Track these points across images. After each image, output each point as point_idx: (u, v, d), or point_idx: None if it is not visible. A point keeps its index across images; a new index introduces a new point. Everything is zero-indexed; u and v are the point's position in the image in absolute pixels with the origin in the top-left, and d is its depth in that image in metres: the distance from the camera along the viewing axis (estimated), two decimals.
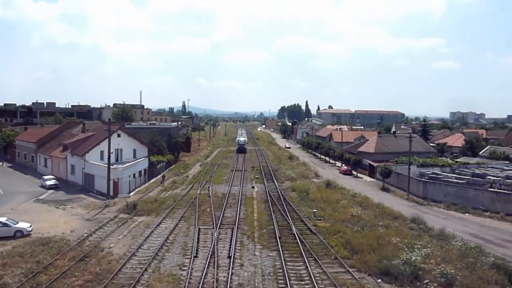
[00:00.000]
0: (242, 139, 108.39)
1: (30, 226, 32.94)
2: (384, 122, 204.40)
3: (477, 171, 55.74)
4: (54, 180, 53.87)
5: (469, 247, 29.14)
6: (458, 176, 53.63)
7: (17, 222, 32.84)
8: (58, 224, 35.48)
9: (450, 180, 50.85)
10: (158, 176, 60.81)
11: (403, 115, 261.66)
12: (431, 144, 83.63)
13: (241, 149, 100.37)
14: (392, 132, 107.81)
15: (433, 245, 29.35)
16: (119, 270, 24.86)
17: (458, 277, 24.02)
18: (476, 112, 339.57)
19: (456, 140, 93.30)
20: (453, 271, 24.40)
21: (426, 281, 23.70)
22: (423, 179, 52.06)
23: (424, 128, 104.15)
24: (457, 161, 67.39)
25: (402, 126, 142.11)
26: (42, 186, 53.08)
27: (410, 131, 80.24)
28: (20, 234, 31.67)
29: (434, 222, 36.49)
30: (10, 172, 66.30)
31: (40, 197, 47.38)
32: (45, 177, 55.12)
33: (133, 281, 23.17)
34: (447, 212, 43.15)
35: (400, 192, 52.83)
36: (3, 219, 32.42)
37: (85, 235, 32.39)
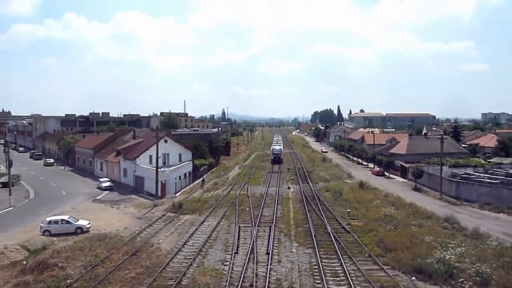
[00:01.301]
0: (277, 147, 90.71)
1: (89, 223, 34.23)
2: (415, 125, 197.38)
3: (511, 171, 52.73)
4: (109, 182, 55.75)
5: (505, 246, 27.58)
6: (491, 176, 50.97)
7: (78, 220, 34.22)
8: (113, 222, 36.67)
9: (483, 180, 48.39)
10: (199, 180, 61.02)
11: (434, 117, 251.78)
12: (463, 145, 79.92)
13: (277, 159, 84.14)
14: (423, 133, 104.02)
15: (467, 244, 27.94)
16: (167, 264, 25.35)
17: (494, 276, 22.74)
18: (508, 113, 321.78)
19: (488, 140, 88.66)
20: (488, 270, 23.15)
21: (461, 279, 22.57)
22: (456, 179, 49.83)
23: (456, 129, 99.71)
24: (490, 161, 63.99)
25: (434, 128, 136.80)
26: (99, 188, 55.06)
27: (441, 133, 77.06)
28: (80, 230, 33.00)
29: (468, 222, 34.70)
30: (71, 175, 69.30)
31: (97, 197, 49.16)
32: (101, 179, 57.18)
33: (180, 274, 23.54)
34: (481, 212, 41.01)
35: (432, 192, 50.80)
36: (65, 217, 33.90)
37: (137, 232, 33.29)
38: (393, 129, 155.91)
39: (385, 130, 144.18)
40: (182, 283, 22.68)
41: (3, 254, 27.08)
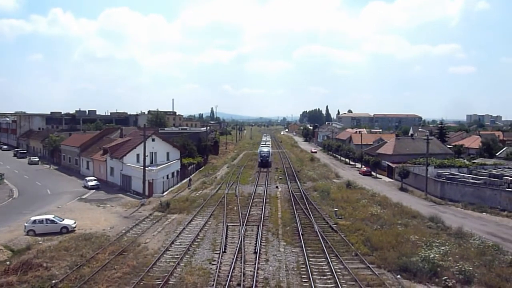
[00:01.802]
0: (265, 149, 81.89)
1: (75, 223, 33.87)
2: (402, 125, 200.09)
3: (494, 172, 53.81)
4: (95, 181, 55.15)
5: (487, 245, 28.22)
6: (475, 176, 51.94)
7: (63, 219, 33.84)
8: (99, 221, 36.34)
9: (467, 180, 49.30)
10: (185, 180, 60.53)
11: (420, 118, 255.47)
12: (448, 146, 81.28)
13: (265, 163, 76.70)
14: (409, 134, 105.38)
15: (451, 243, 28.57)
16: (154, 263, 25.27)
17: (476, 274, 23.31)
18: (492, 115, 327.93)
19: (473, 142, 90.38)
20: (471, 268, 23.70)
21: (445, 277, 23.06)
22: (441, 180, 50.65)
23: (441, 131, 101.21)
24: (474, 162, 65.19)
25: (420, 129, 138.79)
26: (85, 187, 54.45)
27: (427, 134, 78.11)
28: (65, 230, 32.62)
29: (452, 221, 35.41)
30: (57, 173, 68.38)
31: (83, 197, 48.62)
32: (87, 178, 56.54)
33: (167, 274, 23.49)
34: (464, 212, 41.81)
35: (418, 192, 51.57)
36: (50, 217, 33.47)
37: (123, 231, 33.06)
38: (381, 130, 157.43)
39: (372, 130, 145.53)
40: (170, 282, 22.63)
41: None
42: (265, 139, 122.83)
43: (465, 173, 54.94)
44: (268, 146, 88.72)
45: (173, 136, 73.25)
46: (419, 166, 57.46)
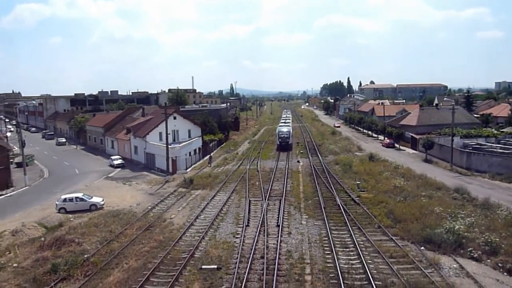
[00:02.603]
0: (285, 128, 68.69)
1: (103, 200, 35.03)
2: (426, 95, 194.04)
3: None
4: (120, 160, 56.58)
5: None
6: (503, 146, 50.39)
7: (92, 197, 35.04)
8: (125, 198, 37.48)
9: (495, 150, 47.92)
10: (206, 157, 60.64)
11: (446, 87, 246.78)
12: (475, 115, 78.69)
13: (284, 146, 64.68)
14: (434, 104, 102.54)
15: (477, 215, 28.07)
16: (180, 238, 26.03)
17: (503, 245, 22.94)
18: None
19: (501, 110, 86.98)
20: (497, 239, 23.34)
21: (470, 249, 22.83)
22: (467, 150, 49.42)
23: (468, 99, 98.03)
24: (502, 132, 63.06)
25: (445, 98, 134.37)
26: (111, 165, 55.98)
27: (453, 103, 75.80)
28: (94, 207, 33.83)
29: (478, 192, 34.65)
30: (83, 153, 70.39)
31: (109, 175, 50.06)
32: (113, 157, 58.04)
33: (192, 247, 24.19)
34: (492, 182, 40.85)
35: (443, 163, 50.57)
36: (79, 195, 34.71)
37: (149, 207, 34.03)
38: (404, 101, 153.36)
39: (395, 101, 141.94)
40: (195, 255, 23.33)
41: (22, 231, 28.02)
42: (285, 115, 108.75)
43: (493, 143, 53.34)
44: (289, 125, 74.20)
45: (194, 113, 73.82)
46: (444, 137, 56.10)
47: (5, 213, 33.97)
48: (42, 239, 26.48)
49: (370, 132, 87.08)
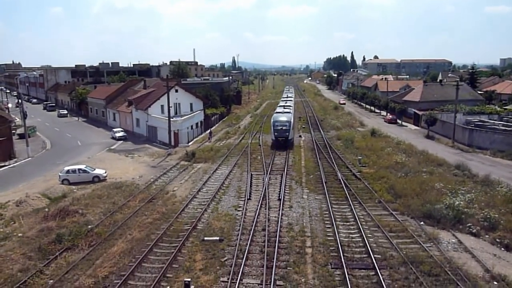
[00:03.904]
0: (283, 117, 47.36)
1: (105, 172, 35.20)
2: (430, 71, 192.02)
3: None
4: (122, 132, 56.57)
5: None
6: (506, 123, 50.12)
7: (94, 169, 35.18)
8: (128, 171, 37.67)
9: (498, 127, 47.70)
10: (206, 132, 59.69)
11: (450, 63, 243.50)
12: (479, 92, 77.90)
13: (282, 142, 45.20)
14: (438, 80, 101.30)
15: (477, 191, 28.20)
16: (182, 210, 26.32)
17: (501, 221, 23.16)
18: None
19: (506, 87, 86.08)
20: (497, 215, 23.53)
21: (469, 224, 23.07)
22: (469, 127, 49.21)
23: (472, 76, 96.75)
24: (505, 109, 62.65)
25: (449, 75, 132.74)
26: (113, 138, 56.01)
27: (457, 79, 74.84)
28: (97, 179, 34.03)
29: (479, 169, 34.70)
30: (85, 125, 70.35)
31: (112, 147, 50.15)
32: (115, 129, 58.01)
33: (195, 219, 24.49)
34: (493, 159, 40.87)
35: (445, 140, 50.48)
36: (82, 166, 34.86)
37: (152, 180, 34.26)
38: (408, 76, 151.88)
39: (399, 77, 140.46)
40: (198, 227, 23.64)
41: (26, 202, 28.31)
42: (286, 95, 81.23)
43: (495, 120, 53.07)
44: (289, 111, 51.57)
45: (196, 86, 73.26)
46: (447, 113, 55.77)
47: (9, 183, 34.25)
48: (46, 209, 26.79)
49: (372, 108, 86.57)
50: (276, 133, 45.56)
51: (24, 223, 24.82)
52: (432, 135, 53.64)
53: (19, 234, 23.18)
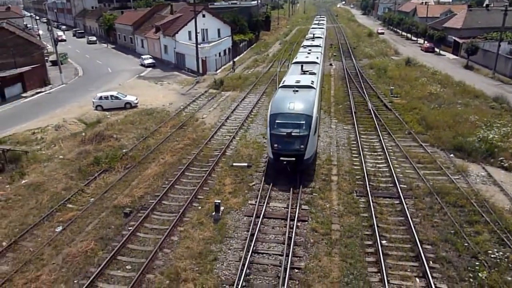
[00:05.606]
0: (301, 105, 21.26)
1: (136, 99, 35.92)
2: None
3: None
4: (151, 59, 56.49)
5: None
6: None
7: (126, 96, 35.93)
8: (158, 98, 38.28)
9: None
10: (229, 63, 56.29)
11: None
12: None
13: (292, 168, 20.22)
14: (485, 5, 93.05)
15: None
16: (211, 137, 26.99)
17: None
18: None
19: None
20: None
21: (501, 158, 22.62)
22: None
23: None
24: None
25: None
26: (141, 65, 56.16)
27: (506, 3, 68.45)
28: (129, 105, 34.90)
29: None
30: (114, 52, 70.49)
31: (141, 74, 50.55)
32: (143, 56, 57.91)
33: (224, 146, 25.16)
34: None
35: (485, 71, 47.70)
36: (114, 93, 35.62)
37: (181, 107, 34.82)
38: (451, 0, 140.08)
39: (441, 0, 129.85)
40: (227, 154, 24.36)
41: (64, 126, 29.71)
42: (311, 34, 45.67)
43: None
44: (314, 71, 27.22)
45: (223, 11, 70.52)
46: (491, 42, 52.00)
47: (46, 109, 35.68)
48: (83, 134, 28.09)
49: (409, 35, 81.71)
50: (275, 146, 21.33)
51: (63, 146, 26.30)
52: (471, 65, 50.71)
53: (60, 156, 24.69)
